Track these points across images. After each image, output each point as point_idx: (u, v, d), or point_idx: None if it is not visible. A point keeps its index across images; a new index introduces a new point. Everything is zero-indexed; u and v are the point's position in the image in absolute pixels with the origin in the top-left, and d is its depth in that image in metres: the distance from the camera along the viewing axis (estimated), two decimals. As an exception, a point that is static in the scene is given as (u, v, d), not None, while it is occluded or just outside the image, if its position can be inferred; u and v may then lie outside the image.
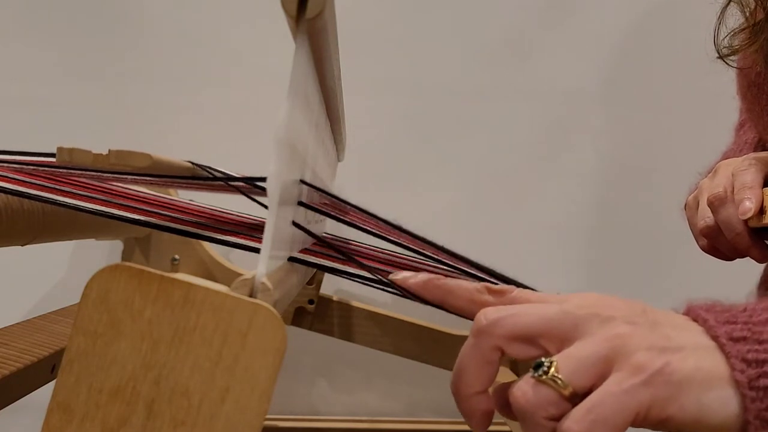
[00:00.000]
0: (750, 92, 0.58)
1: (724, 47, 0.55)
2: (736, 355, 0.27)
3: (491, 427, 0.32)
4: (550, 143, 1.08)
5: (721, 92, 0.69)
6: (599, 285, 1.08)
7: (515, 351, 0.30)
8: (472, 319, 0.31)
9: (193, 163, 0.49)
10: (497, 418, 0.32)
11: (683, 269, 1.07)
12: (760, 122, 0.59)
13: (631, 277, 1.08)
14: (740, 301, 0.31)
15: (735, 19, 0.55)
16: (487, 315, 0.30)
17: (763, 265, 0.62)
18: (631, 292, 0.30)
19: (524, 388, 0.28)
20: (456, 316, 0.34)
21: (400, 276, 0.34)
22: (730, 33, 0.55)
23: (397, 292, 0.34)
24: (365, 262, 0.37)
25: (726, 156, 0.65)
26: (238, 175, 0.49)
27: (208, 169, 0.51)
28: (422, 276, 0.34)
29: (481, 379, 0.31)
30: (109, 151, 0.30)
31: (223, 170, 0.55)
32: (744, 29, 0.53)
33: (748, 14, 0.53)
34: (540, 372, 0.28)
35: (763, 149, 0.63)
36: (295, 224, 0.35)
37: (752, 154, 0.54)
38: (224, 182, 0.50)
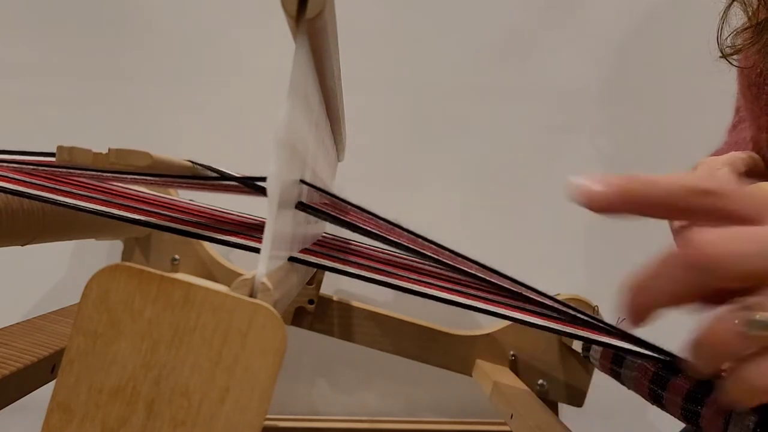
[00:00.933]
0: (750, 91, 0.58)
1: (727, 46, 0.55)
2: None
3: (491, 427, 0.32)
4: (550, 143, 1.08)
5: (722, 92, 0.69)
6: (599, 285, 1.07)
7: (722, 293, 0.25)
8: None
9: (193, 163, 0.49)
10: (497, 418, 0.32)
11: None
12: (757, 122, 0.59)
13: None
14: None
15: (738, 18, 0.55)
16: (707, 247, 0.25)
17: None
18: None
19: (726, 333, 0.24)
20: (456, 317, 0.34)
21: (583, 188, 0.28)
22: (732, 32, 0.55)
23: (398, 290, 0.34)
24: (365, 261, 0.37)
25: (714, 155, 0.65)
26: (238, 175, 0.49)
27: (207, 169, 0.51)
28: (612, 180, 0.28)
29: (665, 300, 0.27)
30: (109, 149, 0.30)
31: (222, 170, 0.55)
32: (747, 29, 0.53)
33: (750, 13, 0.53)
34: (756, 329, 0.24)
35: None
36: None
37: (733, 153, 0.54)
38: (224, 182, 0.50)
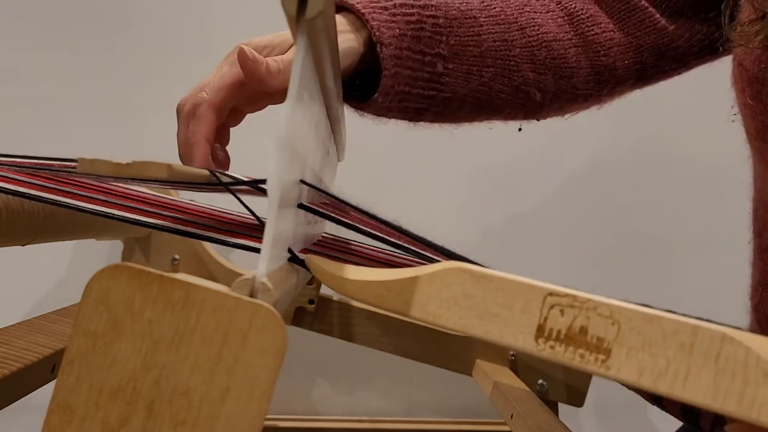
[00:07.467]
0: (751, 87, 0.57)
1: (731, 41, 0.55)
2: None
3: (491, 427, 0.32)
4: (550, 143, 1.08)
5: (723, 91, 0.69)
6: (599, 285, 1.08)
7: None
8: None
9: (210, 171, 0.49)
10: (497, 418, 0.32)
11: (683, 268, 1.07)
12: (757, 119, 0.58)
13: (632, 276, 1.08)
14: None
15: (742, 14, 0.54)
16: None
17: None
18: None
19: None
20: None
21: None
22: (734, 24, 0.54)
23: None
24: (365, 262, 0.37)
25: None
26: (237, 177, 0.49)
27: (215, 173, 0.51)
28: None
29: None
30: (133, 161, 0.30)
31: (223, 173, 0.55)
32: (752, 21, 0.53)
33: (757, 4, 0.52)
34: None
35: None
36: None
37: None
38: (224, 185, 0.50)
